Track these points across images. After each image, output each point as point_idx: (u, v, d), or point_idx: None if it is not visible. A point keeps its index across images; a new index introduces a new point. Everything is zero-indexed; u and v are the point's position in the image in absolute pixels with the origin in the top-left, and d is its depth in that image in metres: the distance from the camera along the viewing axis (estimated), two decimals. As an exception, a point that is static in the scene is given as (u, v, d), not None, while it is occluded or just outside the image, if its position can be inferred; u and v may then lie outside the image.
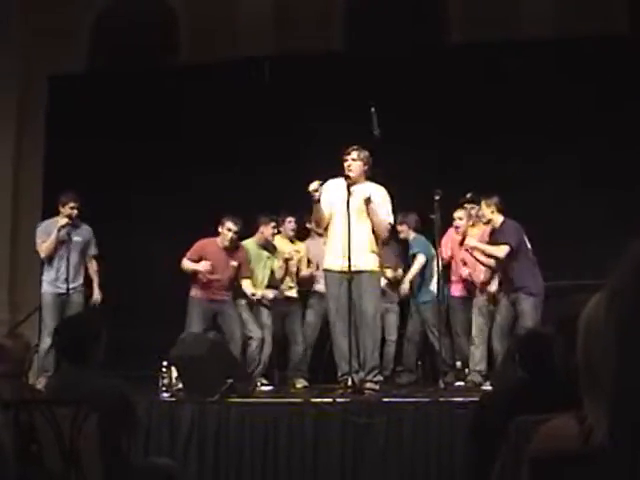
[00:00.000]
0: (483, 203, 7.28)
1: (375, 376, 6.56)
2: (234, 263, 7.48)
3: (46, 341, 7.27)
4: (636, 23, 9.07)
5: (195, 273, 7.46)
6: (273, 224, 7.86)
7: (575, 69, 8.78)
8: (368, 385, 6.38)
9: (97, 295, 7.72)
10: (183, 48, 10.26)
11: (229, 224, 7.41)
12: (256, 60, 9.65)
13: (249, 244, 7.82)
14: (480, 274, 7.48)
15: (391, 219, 6.90)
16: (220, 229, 7.48)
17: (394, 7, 9.87)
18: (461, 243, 7.68)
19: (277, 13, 10.03)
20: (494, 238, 7.24)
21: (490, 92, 8.86)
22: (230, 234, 7.42)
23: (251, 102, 9.37)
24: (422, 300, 8.02)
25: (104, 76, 10.24)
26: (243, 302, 7.67)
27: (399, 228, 7.94)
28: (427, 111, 8.82)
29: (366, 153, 6.82)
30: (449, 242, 7.90)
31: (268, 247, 7.93)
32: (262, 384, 7.45)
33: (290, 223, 8.12)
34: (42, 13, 10.20)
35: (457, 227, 7.79)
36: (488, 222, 7.30)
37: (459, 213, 7.76)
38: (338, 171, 6.75)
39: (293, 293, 8.13)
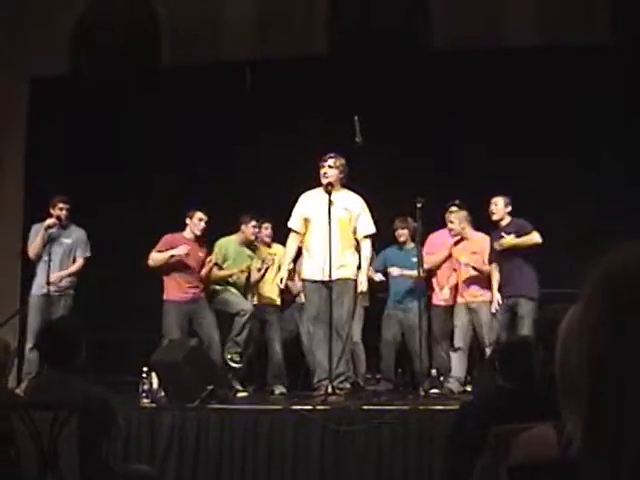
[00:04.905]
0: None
1: (341, 382, 6.53)
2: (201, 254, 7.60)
3: (30, 343, 7.23)
4: (619, 32, 9.13)
5: (166, 272, 7.47)
6: (254, 223, 7.89)
7: (558, 76, 8.81)
8: (335, 391, 6.34)
9: (55, 276, 7.42)
10: (165, 51, 10.23)
11: (199, 214, 7.59)
12: (238, 65, 9.65)
13: (230, 242, 7.87)
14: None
15: (372, 229, 6.91)
16: (189, 220, 7.62)
17: (378, 10, 9.88)
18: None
19: (260, 17, 10.01)
20: (507, 233, 7.12)
21: (474, 98, 8.87)
22: (201, 223, 7.58)
23: (233, 106, 9.35)
24: (409, 305, 7.81)
25: (85, 79, 10.19)
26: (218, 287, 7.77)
27: (400, 232, 7.91)
28: (411, 116, 8.81)
29: (342, 161, 6.80)
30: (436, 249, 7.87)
31: (249, 246, 7.98)
32: (237, 390, 7.36)
33: (267, 229, 8.14)
34: (22, 15, 10.14)
35: (451, 230, 7.61)
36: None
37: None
38: (314, 179, 6.76)
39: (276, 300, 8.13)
